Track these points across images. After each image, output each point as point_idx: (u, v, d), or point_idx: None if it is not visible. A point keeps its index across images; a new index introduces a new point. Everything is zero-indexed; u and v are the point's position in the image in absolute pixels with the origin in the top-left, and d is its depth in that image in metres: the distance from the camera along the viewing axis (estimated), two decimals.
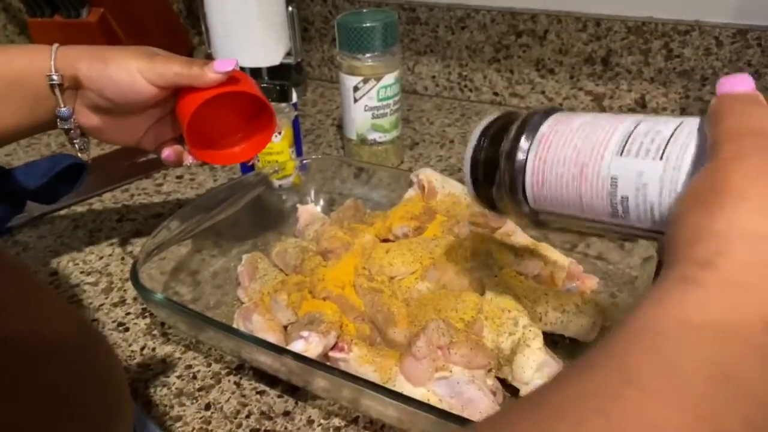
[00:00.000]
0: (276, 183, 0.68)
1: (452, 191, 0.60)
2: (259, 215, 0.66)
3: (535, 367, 0.44)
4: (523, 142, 0.32)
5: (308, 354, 0.44)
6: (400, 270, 0.51)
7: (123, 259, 0.65)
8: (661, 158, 0.28)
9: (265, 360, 0.46)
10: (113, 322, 0.57)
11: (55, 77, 0.49)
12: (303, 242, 0.59)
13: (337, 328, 0.47)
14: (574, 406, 0.19)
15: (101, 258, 0.66)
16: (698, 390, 0.18)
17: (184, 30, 1.17)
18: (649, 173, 0.28)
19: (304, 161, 0.69)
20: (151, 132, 0.55)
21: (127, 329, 0.56)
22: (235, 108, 0.55)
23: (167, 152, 0.55)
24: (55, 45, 0.50)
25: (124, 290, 0.61)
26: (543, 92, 0.93)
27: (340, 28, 0.71)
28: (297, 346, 0.44)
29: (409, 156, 0.82)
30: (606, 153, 0.29)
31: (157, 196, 0.77)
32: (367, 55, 0.71)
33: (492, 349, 0.46)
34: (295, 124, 0.72)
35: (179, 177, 0.81)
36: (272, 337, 0.47)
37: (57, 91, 0.49)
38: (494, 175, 0.33)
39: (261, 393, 0.49)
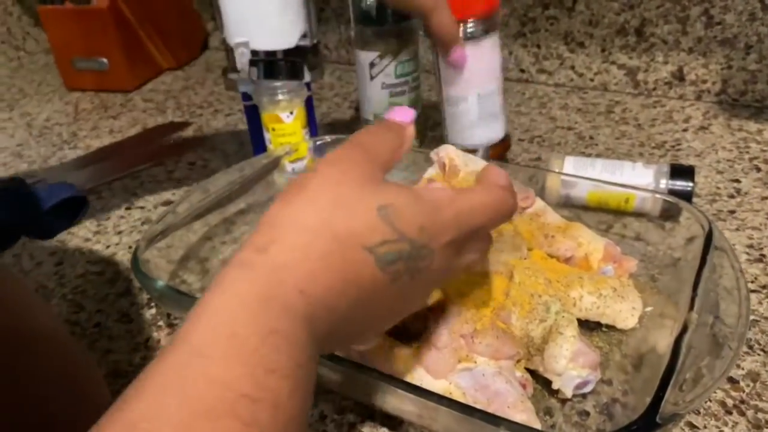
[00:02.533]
0: (289, 166, 0.64)
1: (475, 169, 0.56)
2: (271, 200, 0.63)
3: (569, 356, 0.39)
4: None
5: None
6: None
7: (130, 248, 0.62)
8: None
9: None
10: (117, 312, 0.54)
11: None
12: None
13: None
14: (150, 384, 0.21)
15: (108, 247, 0.63)
16: (250, 346, 0.22)
17: (197, 15, 1.14)
18: None
19: (318, 142, 0.65)
20: None
21: (131, 320, 0.53)
22: None
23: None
24: None
25: (130, 280, 0.58)
26: (573, 67, 0.88)
27: (356, 16, 0.67)
28: None
29: (430, 138, 0.78)
30: None
31: (168, 183, 0.74)
32: (384, 27, 0.67)
33: (521, 338, 0.41)
34: (309, 104, 0.68)
35: (191, 164, 0.78)
36: None
37: None
38: None
39: None
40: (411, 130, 0.35)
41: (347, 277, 0.27)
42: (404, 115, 0.35)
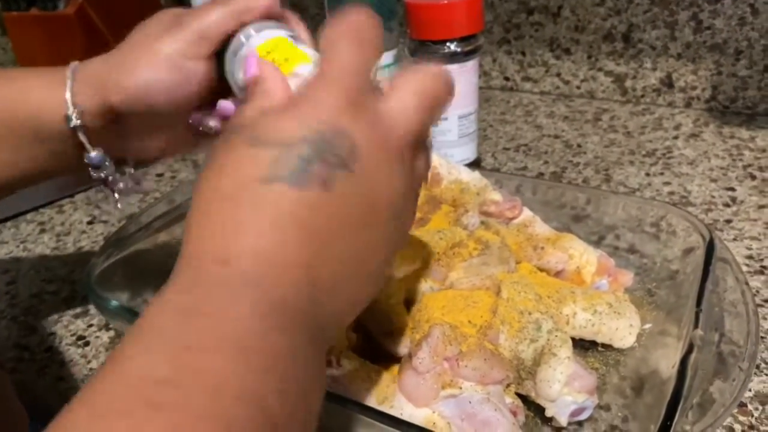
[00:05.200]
0: None
1: (459, 177, 0.52)
2: None
3: (563, 380, 0.36)
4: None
5: None
6: (399, 268, 0.43)
7: None
8: None
9: None
10: (72, 335, 0.49)
11: (74, 116, 0.36)
12: None
13: None
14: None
15: (66, 264, 0.59)
16: (173, 332, 0.19)
17: None
18: None
19: None
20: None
21: (87, 343, 0.49)
22: None
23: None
24: (73, 65, 0.38)
25: (89, 300, 0.53)
26: (558, 75, 0.85)
27: (330, 1, 0.64)
28: None
29: None
30: None
31: (134, 196, 0.69)
32: None
33: (510, 360, 0.38)
34: None
35: (159, 175, 0.74)
36: None
37: (80, 132, 0.37)
38: None
39: None
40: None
41: (270, 220, 0.22)
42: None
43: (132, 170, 0.42)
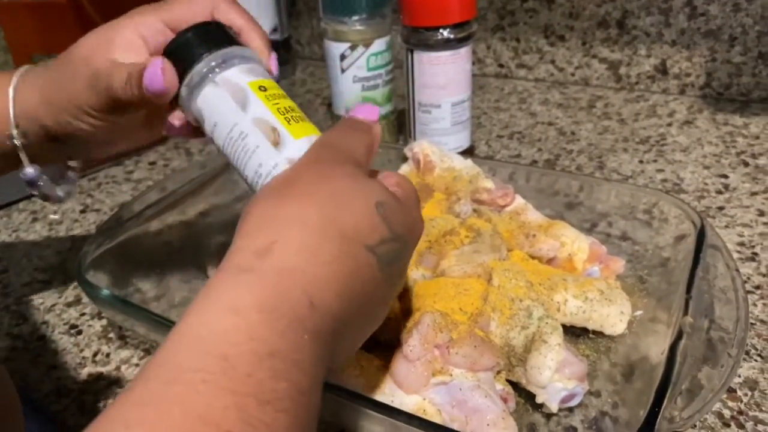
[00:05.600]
0: None
1: (451, 165, 0.52)
2: (235, 202, 0.59)
3: (553, 366, 0.36)
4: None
5: None
6: None
7: None
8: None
9: None
10: (65, 324, 0.49)
11: (15, 134, 0.36)
12: None
13: None
14: (118, 415, 0.18)
15: (59, 253, 0.58)
16: (242, 370, 0.19)
17: None
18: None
19: None
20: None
21: (80, 332, 0.48)
22: None
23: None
24: (15, 78, 0.37)
25: (81, 288, 0.53)
26: (553, 61, 0.85)
27: (325, 5, 0.63)
28: None
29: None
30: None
31: (127, 185, 0.69)
32: (354, 18, 0.63)
33: (501, 347, 0.38)
34: None
35: (152, 163, 0.73)
36: None
37: (21, 152, 0.37)
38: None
39: None
40: (378, 128, 0.32)
41: (354, 283, 0.24)
42: (369, 113, 0.32)
43: (74, 174, 0.42)
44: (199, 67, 0.33)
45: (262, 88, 0.33)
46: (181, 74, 0.33)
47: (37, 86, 0.37)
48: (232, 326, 0.20)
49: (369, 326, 0.29)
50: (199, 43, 0.33)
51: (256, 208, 0.25)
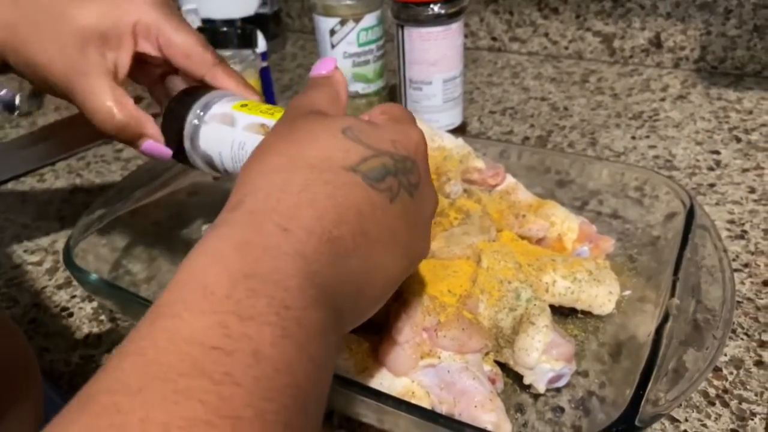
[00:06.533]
0: None
1: (442, 144, 0.52)
2: (225, 181, 0.58)
3: (541, 348, 0.36)
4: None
5: None
6: None
7: None
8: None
9: None
10: (56, 306, 0.49)
11: None
12: None
13: None
14: (116, 355, 0.18)
15: (48, 234, 0.58)
16: (221, 293, 0.19)
17: None
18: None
19: None
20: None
21: (71, 314, 0.49)
22: None
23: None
24: None
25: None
26: (546, 35, 0.84)
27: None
28: None
29: None
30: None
31: (116, 164, 0.69)
32: None
33: (489, 329, 0.38)
34: (265, 75, 0.63)
35: None
36: None
37: None
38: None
39: None
40: (338, 76, 0.32)
41: (338, 202, 0.24)
42: (325, 67, 0.33)
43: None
44: (190, 119, 0.36)
45: (244, 105, 0.36)
46: (178, 135, 0.37)
47: (10, 17, 0.35)
48: (209, 263, 0.21)
49: (385, 259, 0.27)
50: (183, 104, 0.37)
51: (239, 174, 0.26)
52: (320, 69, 0.33)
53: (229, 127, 0.35)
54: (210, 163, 0.37)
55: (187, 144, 0.37)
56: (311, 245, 0.23)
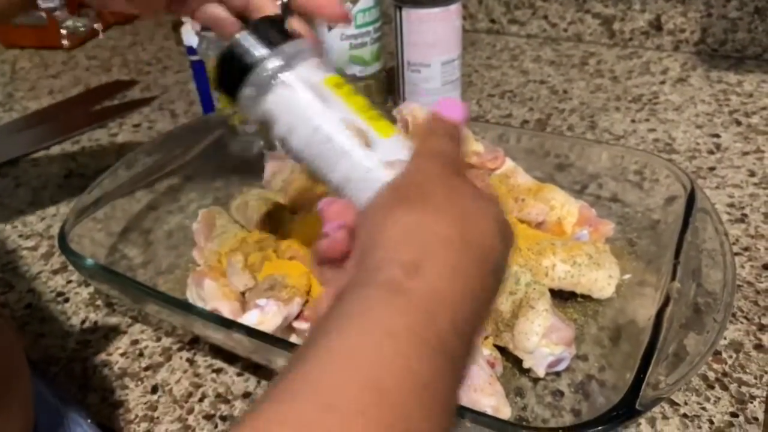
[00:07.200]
0: (240, 127, 0.59)
1: None
2: (222, 165, 0.58)
3: (540, 332, 0.36)
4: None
5: (264, 327, 0.36)
6: None
7: None
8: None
9: (217, 336, 0.38)
10: (51, 291, 0.49)
11: None
12: (268, 193, 0.51)
13: (302, 293, 0.40)
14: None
15: (43, 219, 0.58)
16: (396, 401, 0.19)
17: None
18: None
19: None
20: None
21: (67, 299, 0.48)
22: None
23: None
24: None
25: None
26: (545, 17, 0.83)
27: None
28: (250, 319, 0.36)
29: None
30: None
31: (111, 148, 0.68)
32: None
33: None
34: None
35: (136, 126, 0.72)
36: (226, 307, 0.39)
37: None
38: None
39: (217, 371, 0.41)
40: (464, 129, 0.30)
41: (479, 302, 0.24)
42: (452, 110, 0.29)
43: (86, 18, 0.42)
44: (267, 65, 0.30)
45: (338, 85, 0.31)
46: (242, 73, 0.31)
47: None
48: (386, 352, 0.20)
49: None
50: (263, 39, 0.30)
51: (394, 218, 0.24)
52: (448, 111, 0.29)
53: (317, 109, 0.30)
54: (266, 123, 0.32)
55: (249, 90, 0.31)
56: (460, 350, 0.22)
